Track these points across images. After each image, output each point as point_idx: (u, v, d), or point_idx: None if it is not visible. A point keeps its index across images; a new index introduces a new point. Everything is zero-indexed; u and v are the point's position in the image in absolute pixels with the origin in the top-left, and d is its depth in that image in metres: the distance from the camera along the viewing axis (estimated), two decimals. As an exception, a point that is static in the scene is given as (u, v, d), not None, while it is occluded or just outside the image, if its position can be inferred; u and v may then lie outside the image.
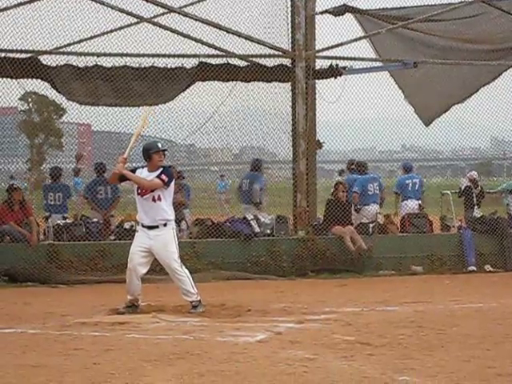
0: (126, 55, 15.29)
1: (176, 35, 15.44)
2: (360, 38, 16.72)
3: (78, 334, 8.77)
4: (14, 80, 14.82)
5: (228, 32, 15.59)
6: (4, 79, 14.89)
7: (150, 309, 10.36)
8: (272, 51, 15.91)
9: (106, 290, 12.87)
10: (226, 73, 15.65)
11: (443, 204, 17.33)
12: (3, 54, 14.74)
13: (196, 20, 15.44)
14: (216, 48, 15.81)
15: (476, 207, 16.44)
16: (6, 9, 14.65)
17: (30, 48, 14.97)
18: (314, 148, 16.25)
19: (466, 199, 16.50)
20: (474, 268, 15.64)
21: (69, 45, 15.48)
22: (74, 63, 15.11)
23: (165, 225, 10.21)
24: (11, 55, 14.81)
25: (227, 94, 15.68)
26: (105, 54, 15.24)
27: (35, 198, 19.87)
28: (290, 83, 16.02)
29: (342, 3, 16.51)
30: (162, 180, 10.12)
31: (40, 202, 17.44)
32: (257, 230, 15.29)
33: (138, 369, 6.97)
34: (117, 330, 9.08)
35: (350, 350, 7.81)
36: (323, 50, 16.19)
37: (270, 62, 15.99)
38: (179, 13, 15.51)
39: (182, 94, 15.63)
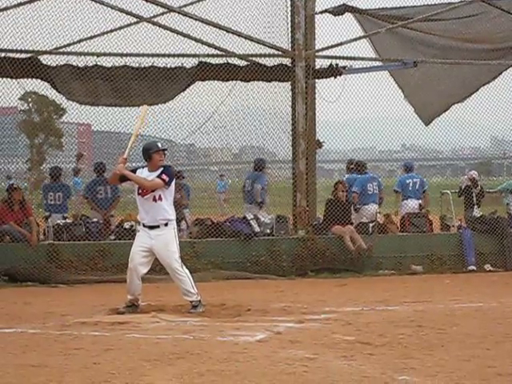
0: (126, 55, 15.29)
1: (176, 35, 15.44)
2: (360, 38, 16.72)
3: (78, 334, 8.77)
4: (13, 80, 14.82)
5: (228, 32, 15.60)
6: (4, 79, 14.89)
7: (150, 308, 10.36)
8: (272, 51, 15.91)
9: (105, 290, 12.88)
10: (225, 72, 15.66)
11: (443, 203, 17.33)
12: (3, 54, 14.75)
13: (196, 20, 15.45)
14: (216, 48, 15.81)
15: (476, 207, 16.44)
16: (6, 9, 14.66)
17: (30, 48, 14.97)
18: (314, 147, 16.25)
19: (466, 199, 16.50)
20: (473, 267, 15.64)
21: (69, 45, 15.48)
22: (74, 63, 15.13)
23: (166, 224, 10.21)
24: (11, 55, 14.82)
25: (227, 94, 15.69)
26: (105, 54, 15.24)
27: (35, 198, 19.89)
28: (289, 83, 16.02)
29: (341, 3, 16.51)
30: (163, 180, 10.11)
31: (40, 202, 17.46)
32: (257, 229, 15.29)
33: (138, 368, 6.97)
34: (117, 329, 9.08)
35: (350, 349, 7.81)
36: (323, 49, 16.20)
37: (269, 62, 16.00)
38: (179, 12, 15.52)
39: (181, 93, 15.64)
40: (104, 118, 16.01)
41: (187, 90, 15.68)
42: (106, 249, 14.38)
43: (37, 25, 14.82)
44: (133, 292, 10.26)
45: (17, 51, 14.85)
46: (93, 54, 15.21)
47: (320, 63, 16.27)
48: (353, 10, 16.62)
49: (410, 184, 16.53)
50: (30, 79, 15.04)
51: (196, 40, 15.61)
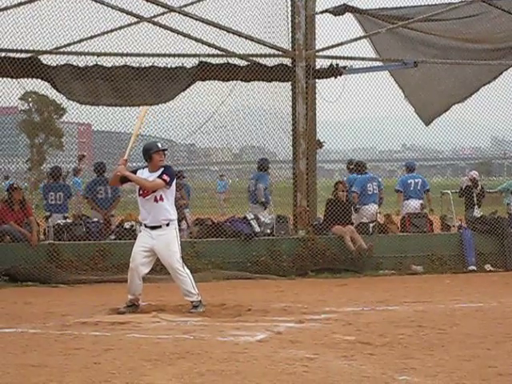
0: (126, 55, 15.29)
1: (176, 35, 15.44)
2: (360, 38, 16.72)
3: (79, 334, 8.77)
4: (14, 80, 14.82)
5: (228, 31, 15.60)
6: (4, 79, 14.89)
7: (150, 308, 10.36)
8: (272, 51, 15.91)
9: (106, 290, 12.88)
10: (226, 72, 15.65)
11: (443, 204, 17.33)
12: (3, 54, 14.74)
13: (196, 20, 15.45)
14: (216, 47, 15.81)
15: (476, 207, 16.44)
16: (6, 8, 14.66)
17: (31, 48, 14.97)
18: (315, 147, 16.26)
19: (467, 199, 16.50)
20: (474, 267, 15.64)
21: (69, 44, 15.48)
22: (74, 63, 15.12)
23: (167, 224, 10.21)
24: (11, 55, 14.81)
25: (227, 94, 15.68)
26: (105, 54, 15.24)
27: (35, 198, 19.89)
28: (290, 83, 16.02)
29: (341, 3, 16.51)
30: (164, 180, 10.11)
31: (37, 203, 17.46)
32: (257, 229, 15.29)
33: (138, 368, 6.97)
34: (117, 329, 9.08)
35: (351, 349, 7.82)
36: (323, 49, 16.19)
37: (270, 62, 15.99)
38: (179, 12, 15.51)
39: (182, 93, 15.63)
40: (104, 118, 16.01)
41: (188, 89, 15.68)
42: (107, 249, 14.38)
43: (37, 24, 14.83)
44: (133, 292, 10.26)
45: (17, 51, 14.85)
46: (93, 54, 15.21)
47: (320, 63, 16.27)
48: (353, 10, 16.62)
49: (412, 184, 16.53)
50: (30, 79, 15.04)
51: (196, 40, 15.61)
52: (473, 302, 11.44)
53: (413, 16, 16.84)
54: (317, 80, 16.16)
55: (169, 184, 10.15)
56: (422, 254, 15.56)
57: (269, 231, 15.52)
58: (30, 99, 31.49)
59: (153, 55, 15.42)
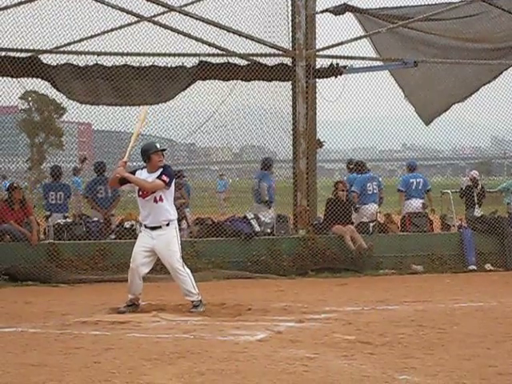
0: (127, 54, 15.29)
1: (176, 34, 15.44)
2: (360, 37, 16.72)
3: (79, 333, 8.77)
4: (14, 79, 14.82)
5: (228, 31, 15.60)
6: (4, 78, 14.89)
7: (150, 308, 10.36)
8: (272, 50, 15.91)
9: (106, 289, 12.88)
10: (226, 72, 15.65)
11: (443, 203, 17.33)
12: (3, 53, 14.74)
13: (196, 19, 15.44)
14: (216, 47, 15.81)
15: (477, 206, 16.44)
16: (6, 8, 14.66)
17: (31, 47, 14.97)
18: (315, 147, 16.25)
19: (467, 198, 16.50)
20: (474, 267, 15.64)
21: (69, 44, 15.47)
22: (75, 62, 15.12)
23: (167, 225, 10.21)
24: (12, 54, 14.82)
25: (227, 93, 15.68)
26: (105, 53, 15.24)
27: (35, 198, 19.89)
28: (290, 82, 16.02)
29: (342, 2, 16.51)
30: (164, 181, 10.10)
31: (36, 203, 17.44)
32: (257, 229, 15.30)
33: (138, 368, 6.98)
34: (117, 329, 9.09)
35: (351, 349, 7.82)
36: (323, 49, 16.19)
37: (270, 61, 15.99)
38: (179, 12, 15.51)
39: (182, 93, 15.64)
40: (104, 118, 16.01)
41: (188, 89, 15.68)
42: (107, 248, 14.38)
43: (37, 24, 14.83)
44: (134, 291, 10.26)
45: (17, 50, 14.85)
46: (93, 53, 15.21)
47: (320, 63, 16.27)
48: (353, 9, 16.62)
49: (414, 183, 16.51)
50: (30, 78, 15.04)
51: (197, 39, 15.61)
52: (473, 301, 11.44)
53: (413, 15, 16.85)
54: (317, 79, 16.16)
55: (168, 185, 10.14)
56: (422, 254, 15.56)
57: (269, 231, 15.53)
58: (30, 98, 31.51)
59: (153, 55, 15.42)
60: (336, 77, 16.16)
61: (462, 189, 16.67)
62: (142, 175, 10.24)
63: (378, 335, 8.53)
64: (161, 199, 10.16)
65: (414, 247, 15.59)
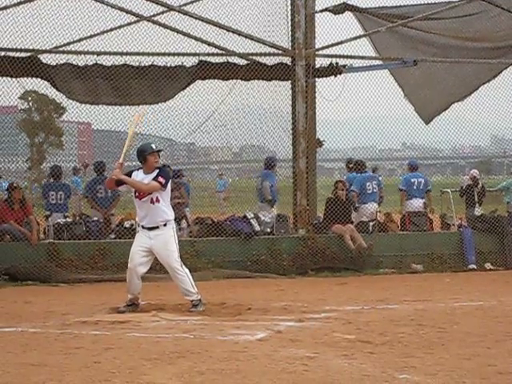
0: (126, 54, 15.28)
1: (176, 34, 15.43)
2: (360, 37, 16.71)
3: (79, 333, 8.77)
4: (13, 79, 14.82)
5: (228, 30, 15.59)
6: (4, 78, 14.88)
7: (150, 307, 10.37)
8: (272, 49, 15.90)
9: (106, 289, 12.88)
10: (225, 71, 15.65)
11: (443, 202, 17.33)
12: (3, 53, 14.74)
13: (196, 18, 15.44)
14: (216, 46, 15.80)
15: (477, 205, 16.44)
16: (5, 7, 14.66)
17: (30, 47, 14.96)
18: (314, 146, 16.24)
19: (468, 198, 16.49)
20: (474, 266, 15.64)
21: (69, 43, 15.47)
22: (74, 62, 15.12)
23: (165, 225, 10.22)
24: (11, 54, 14.82)
25: (227, 93, 15.68)
26: (105, 53, 15.24)
27: (35, 197, 19.90)
28: (290, 81, 16.01)
29: (341, 1, 16.49)
30: (160, 182, 10.09)
31: (34, 203, 17.44)
32: (257, 228, 15.30)
33: (138, 367, 6.98)
34: (117, 328, 9.09)
35: (351, 348, 7.82)
36: (323, 48, 16.19)
37: (269, 61, 15.99)
38: (179, 11, 15.51)
39: (181, 92, 15.64)
40: (104, 117, 16.01)
41: (187, 88, 15.68)
42: (107, 248, 14.38)
43: (37, 23, 14.82)
44: (133, 291, 10.27)
45: (17, 50, 14.85)
46: (93, 53, 15.20)
47: (320, 62, 16.26)
48: (353, 8, 16.61)
49: (415, 183, 16.50)
50: (29, 78, 15.04)
51: (196, 39, 15.60)
52: (473, 300, 11.44)
53: (412, 15, 16.84)
54: (317, 79, 16.15)
55: (164, 186, 10.15)
56: (421, 253, 15.56)
57: (269, 230, 15.53)
58: (29, 98, 31.52)
59: (152, 54, 15.42)
60: (335, 76, 16.15)
61: (462, 188, 16.67)
62: (139, 176, 10.23)
63: (377, 334, 8.53)
64: (157, 200, 10.16)
65: (414, 246, 15.59)
